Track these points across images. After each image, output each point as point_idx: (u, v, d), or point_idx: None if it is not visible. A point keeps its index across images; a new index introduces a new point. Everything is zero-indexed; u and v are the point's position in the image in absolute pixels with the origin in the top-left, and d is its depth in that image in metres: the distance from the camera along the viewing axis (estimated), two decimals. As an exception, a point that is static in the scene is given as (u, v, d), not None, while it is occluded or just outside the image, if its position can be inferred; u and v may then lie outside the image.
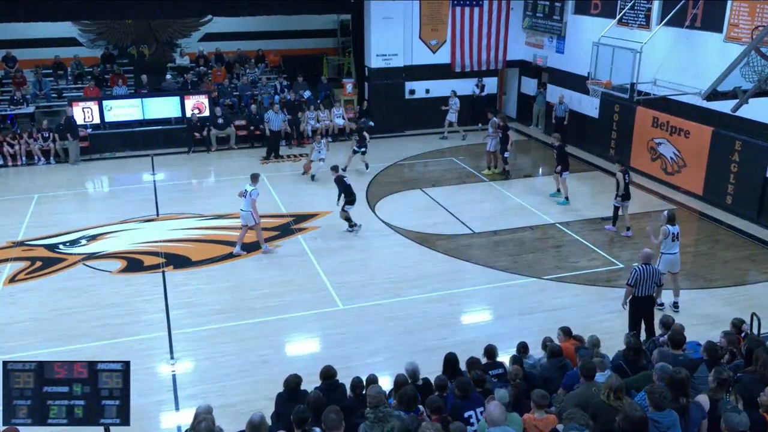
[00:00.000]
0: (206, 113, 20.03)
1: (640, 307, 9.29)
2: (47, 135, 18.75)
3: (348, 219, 13.81)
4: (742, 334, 7.93)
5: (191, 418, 6.33)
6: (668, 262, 10.61)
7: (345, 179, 13.71)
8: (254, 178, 12.93)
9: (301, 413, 5.78)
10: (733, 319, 8.34)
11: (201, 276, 12.21)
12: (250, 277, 12.13)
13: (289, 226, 14.32)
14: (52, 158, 18.75)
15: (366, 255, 13.01)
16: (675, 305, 10.78)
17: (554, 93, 20.94)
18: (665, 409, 5.44)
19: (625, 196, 13.41)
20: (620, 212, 13.69)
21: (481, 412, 6.23)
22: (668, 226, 10.56)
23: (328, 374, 7.11)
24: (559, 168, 15.37)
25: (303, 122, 20.58)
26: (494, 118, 17.49)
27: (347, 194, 13.64)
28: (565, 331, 8.29)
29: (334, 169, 14.05)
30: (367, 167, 17.99)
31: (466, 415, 6.27)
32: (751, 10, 13.82)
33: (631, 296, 9.30)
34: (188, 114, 19.81)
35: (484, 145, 18.14)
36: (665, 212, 11.07)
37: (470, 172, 17.81)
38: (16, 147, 18.53)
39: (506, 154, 17.12)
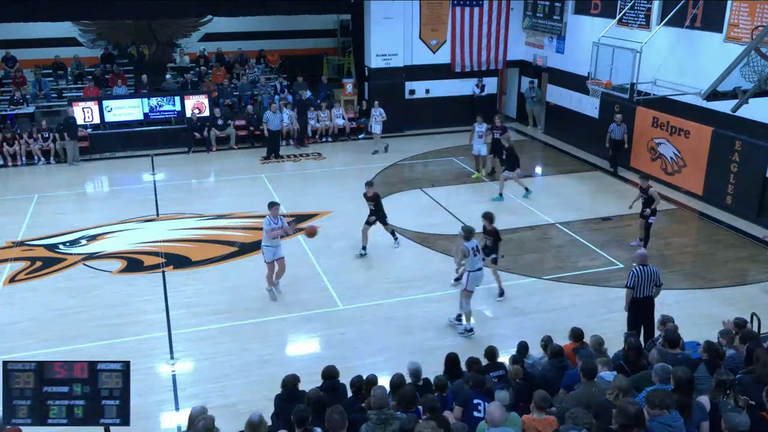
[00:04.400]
0: (206, 113, 20.03)
1: (640, 309, 9.27)
2: (47, 135, 18.75)
3: (393, 232, 13.25)
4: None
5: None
6: (477, 279, 10.11)
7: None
8: (269, 206, 11.08)
9: (302, 412, 5.78)
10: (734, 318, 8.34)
11: (201, 276, 12.21)
12: (250, 277, 12.11)
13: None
14: (52, 158, 18.75)
15: (366, 255, 12.99)
16: (459, 318, 10.29)
17: (554, 92, 20.95)
18: (670, 408, 5.43)
19: (654, 211, 12.77)
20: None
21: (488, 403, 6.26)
22: (465, 243, 9.96)
23: (330, 374, 7.11)
24: (517, 168, 15.35)
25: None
26: (484, 124, 17.04)
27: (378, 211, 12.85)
28: (575, 334, 8.20)
29: (369, 184, 12.98)
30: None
31: (475, 401, 6.35)
32: (751, 10, 13.82)
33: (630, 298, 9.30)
34: (188, 114, 19.81)
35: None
36: (460, 230, 10.31)
37: (470, 172, 17.80)
38: (16, 147, 18.54)
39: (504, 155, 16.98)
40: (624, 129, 16.98)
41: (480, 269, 10.12)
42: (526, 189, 15.97)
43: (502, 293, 11.30)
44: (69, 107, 19.20)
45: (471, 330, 10.16)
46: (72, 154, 18.59)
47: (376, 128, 19.59)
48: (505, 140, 16.00)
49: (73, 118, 18.66)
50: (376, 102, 19.85)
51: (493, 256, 11.15)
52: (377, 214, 12.91)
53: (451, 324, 10.41)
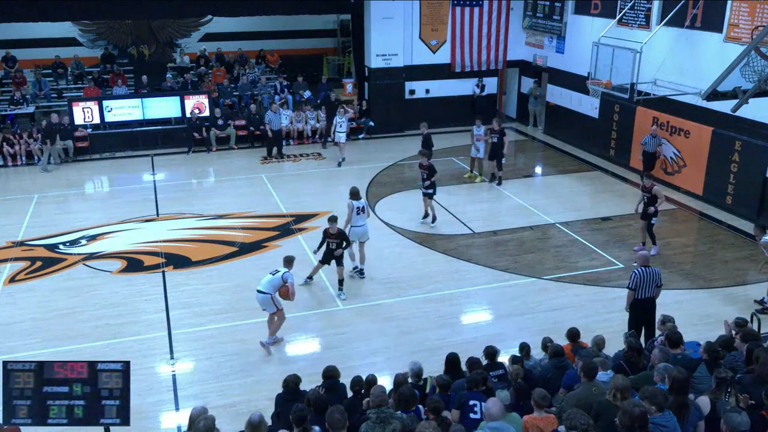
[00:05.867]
0: (206, 113, 20.02)
1: (641, 310, 9.26)
2: (47, 135, 18.73)
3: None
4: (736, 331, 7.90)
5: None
6: (356, 233, 11.75)
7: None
8: (286, 261, 10.10)
9: (300, 412, 5.81)
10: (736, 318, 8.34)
11: (201, 276, 12.21)
12: (250, 277, 12.08)
13: (289, 226, 14.32)
14: (52, 158, 18.71)
15: (366, 255, 12.97)
16: (361, 272, 11.95)
17: (554, 92, 20.95)
18: (664, 409, 5.45)
19: (656, 211, 12.60)
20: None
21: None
22: (352, 201, 11.63)
23: (330, 374, 7.12)
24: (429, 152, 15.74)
25: (304, 122, 20.65)
26: (482, 126, 16.85)
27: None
28: (572, 334, 8.23)
29: (334, 220, 11.25)
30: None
31: (471, 402, 6.36)
32: (751, 10, 13.82)
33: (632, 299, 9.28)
34: (188, 114, 19.81)
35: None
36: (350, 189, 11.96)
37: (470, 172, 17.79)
38: (16, 147, 18.52)
39: (503, 160, 16.68)
40: (659, 141, 16.15)
41: (360, 226, 11.70)
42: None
43: (426, 215, 14.20)
44: (52, 113, 18.84)
45: (358, 270, 11.98)
46: (44, 160, 18.07)
47: (341, 137, 18.30)
48: (423, 127, 16.52)
49: (55, 124, 18.35)
50: (341, 109, 19.03)
51: (430, 191, 13.87)
52: (333, 255, 11.28)
53: (351, 275, 11.73)
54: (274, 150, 19.24)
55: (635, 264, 9.46)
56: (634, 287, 9.12)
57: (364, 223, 11.77)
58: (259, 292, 9.70)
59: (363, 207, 11.80)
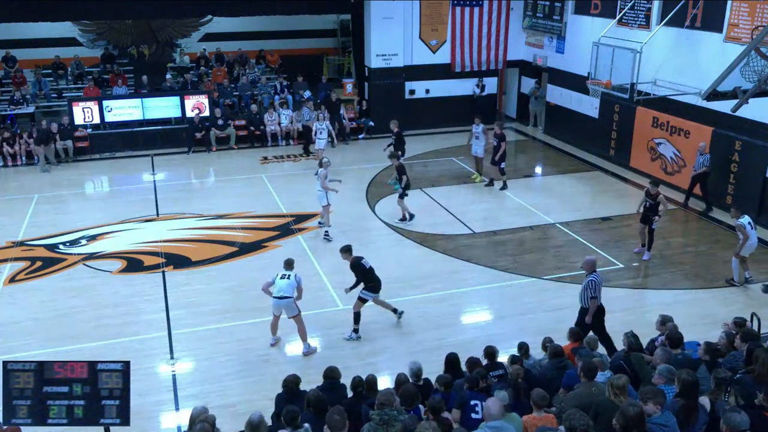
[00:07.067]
0: (206, 113, 20.02)
1: (599, 316, 9.23)
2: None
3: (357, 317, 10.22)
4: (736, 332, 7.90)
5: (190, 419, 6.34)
6: (318, 196, 13.47)
7: (363, 261, 10.27)
8: (290, 264, 9.94)
9: (291, 413, 5.84)
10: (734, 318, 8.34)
11: (201, 276, 12.21)
12: (250, 277, 12.10)
13: (289, 226, 14.33)
14: (48, 159, 18.68)
15: (366, 255, 12.93)
16: (326, 234, 13.52)
17: (554, 92, 20.94)
18: (663, 405, 5.46)
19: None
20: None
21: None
22: (320, 169, 13.37)
23: (330, 375, 7.13)
24: (399, 153, 15.70)
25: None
26: (482, 124, 16.71)
27: (366, 280, 10.21)
28: (573, 333, 8.23)
29: (347, 250, 10.45)
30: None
31: (472, 402, 6.39)
32: (751, 10, 13.82)
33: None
34: (188, 114, 19.79)
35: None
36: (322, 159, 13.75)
37: (470, 172, 17.79)
38: (16, 147, 18.52)
39: (502, 165, 16.30)
40: (707, 159, 14.69)
41: (317, 191, 13.46)
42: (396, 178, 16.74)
43: (403, 219, 14.49)
44: (44, 121, 18.64)
45: (327, 234, 13.61)
46: (42, 161, 18.08)
47: (320, 143, 17.63)
48: (394, 126, 16.90)
49: (47, 130, 18.21)
50: (323, 114, 18.33)
51: (400, 190, 14.31)
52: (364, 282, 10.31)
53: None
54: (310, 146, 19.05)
55: (586, 272, 9.33)
56: (598, 295, 9.07)
57: (319, 189, 13.36)
58: (282, 298, 9.48)
59: (316, 173, 13.60)
